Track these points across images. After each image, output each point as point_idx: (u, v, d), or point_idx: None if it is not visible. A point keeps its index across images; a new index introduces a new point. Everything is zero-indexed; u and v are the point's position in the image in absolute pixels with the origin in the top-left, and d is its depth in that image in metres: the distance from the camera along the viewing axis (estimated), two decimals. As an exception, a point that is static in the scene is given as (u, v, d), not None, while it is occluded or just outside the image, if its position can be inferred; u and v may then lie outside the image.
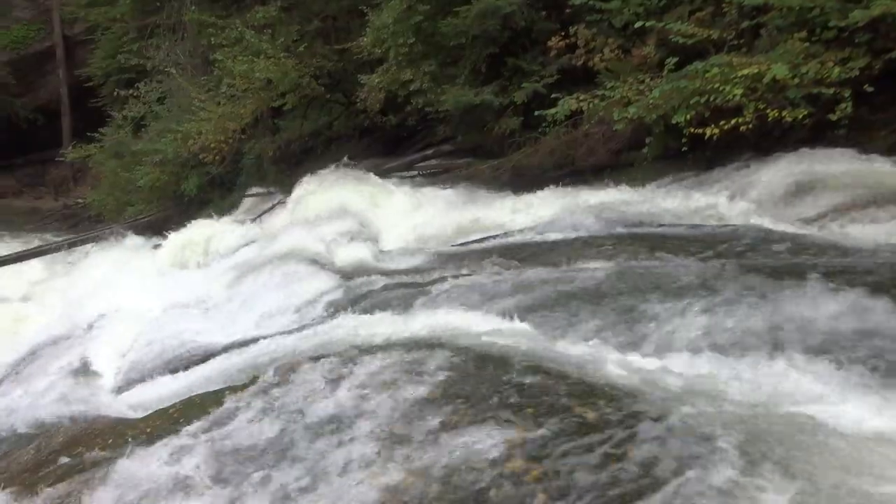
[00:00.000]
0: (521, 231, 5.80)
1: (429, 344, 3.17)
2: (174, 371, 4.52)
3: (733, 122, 5.58)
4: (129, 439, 2.89)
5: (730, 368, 2.64)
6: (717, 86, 5.55)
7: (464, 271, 4.79)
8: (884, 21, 5.23)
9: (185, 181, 11.60)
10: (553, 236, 5.31)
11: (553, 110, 6.92)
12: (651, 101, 5.98)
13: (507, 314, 3.65)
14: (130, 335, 5.63)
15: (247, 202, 11.01)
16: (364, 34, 9.35)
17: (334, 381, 2.68)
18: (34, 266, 10.64)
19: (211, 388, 3.42)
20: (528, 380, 2.46)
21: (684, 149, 6.10)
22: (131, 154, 12.41)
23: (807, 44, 5.55)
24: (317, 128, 11.37)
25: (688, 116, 5.77)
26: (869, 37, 5.39)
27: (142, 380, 4.69)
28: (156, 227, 11.57)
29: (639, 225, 5.25)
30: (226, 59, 10.55)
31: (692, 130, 5.83)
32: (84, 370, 5.28)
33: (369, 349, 3.00)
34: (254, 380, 3.04)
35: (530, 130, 8.03)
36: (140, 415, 3.45)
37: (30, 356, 6.22)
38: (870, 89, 5.35)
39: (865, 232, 4.34)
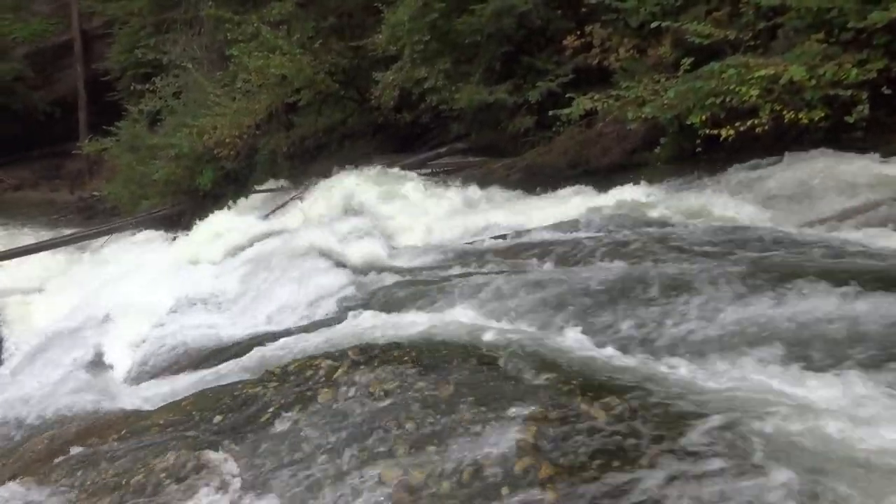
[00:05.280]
0: (533, 230, 5.80)
1: (441, 342, 3.18)
2: (187, 364, 4.55)
3: (749, 123, 5.55)
4: (142, 431, 2.91)
5: (741, 368, 2.63)
6: (732, 86, 5.52)
7: (476, 269, 4.79)
8: (903, 23, 5.19)
9: (199, 175, 11.65)
10: (565, 236, 5.30)
11: (567, 110, 6.91)
12: (666, 101, 5.96)
13: (518, 313, 3.66)
14: (144, 328, 5.68)
15: (260, 197, 11.05)
16: (379, 31, 9.37)
17: (346, 378, 2.70)
18: (50, 258, 10.72)
19: (223, 382, 3.44)
20: (539, 378, 2.47)
21: (699, 149, 6.07)
22: (147, 148, 12.46)
23: (824, 45, 5.51)
24: (331, 124, 11.38)
25: (703, 117, 5.75)
26: (887, 38, 5.35)
27: (155, 372, 4.73)
28: (170, 221, 11.64)
29: (651, 225, 5.23)
30: (241, 54, 10.59)
31: (707, 131, 5.80)
32: (98, 362, 5.33)
33: (381, 346, 3.02)
34: (266, 375, 3.05)
35: (544, 129, 8.03)
36: (153, 407, 3.47)
37: (45, 347, 6.28)
38: (887, 91, 5.31)
39: (880, 235, 4.31)
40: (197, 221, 10.12)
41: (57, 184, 20.35)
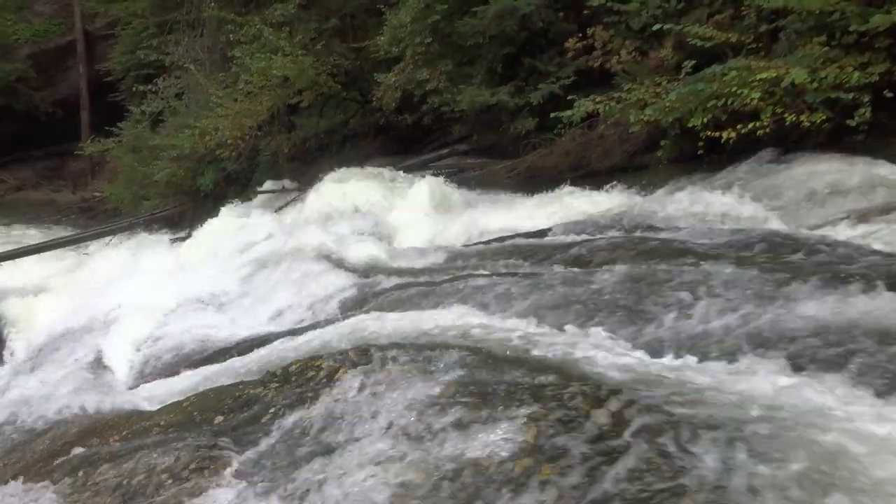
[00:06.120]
0: (535, 232, 5.80)
1: (441, 343, 3.18)
2: (188, 365, 4.55)
3: (750, 125, 5.56)
4: (144, 431, 2.92)
5: (743, 371, 2.63)
6: (734, 89, 5.52)
7: (477, 271, 4.80)
8: (905, 26, 5.19)
9: (201, 176, 11.66)
10: (567, 238, 5.31)
11: (569, 112, 6.91)
12: (667, 104, 5.96)
13: (519, 314, 3.66)
14: (145, 329, 5.68)
15: (262, 198, 11.06)
16: (381, 33, 9.38)
17: (347, 379, 2.70)
18: (51, 258, 10.73)
19: (224, 383, 3.45)
20: (539, 379, 2.47)
21: (700, 152, 6.08)
22: (149, 149, 12.47)
23: (826, 48, 5.51)
24: (333, 125, 11.40)
25: (704, 119, 5.76)
26: (889, 42, 5.35)
27: (156, 373, 4.73)
28: (172, 222, 11.66)
29: (653, 227, 5.23)
30: (244, 55, 10.61)
31: (708, 134, 5.81)
32: (99, 363, 5.33)
33: (382, 347, 3.02)
34: (267, 376, 3.06)
35: (546, 131, 8.04)
36: (154, 407, 3.48)
37: (46, 348, 6.28)
38: (889, 95, 5.31)
39: (881, 237, 4.30)
40: (198, 222, 10.14)
41: (59, 184, 20.37)
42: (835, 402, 2.31)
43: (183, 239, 10.00)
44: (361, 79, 10.62)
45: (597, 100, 6.76)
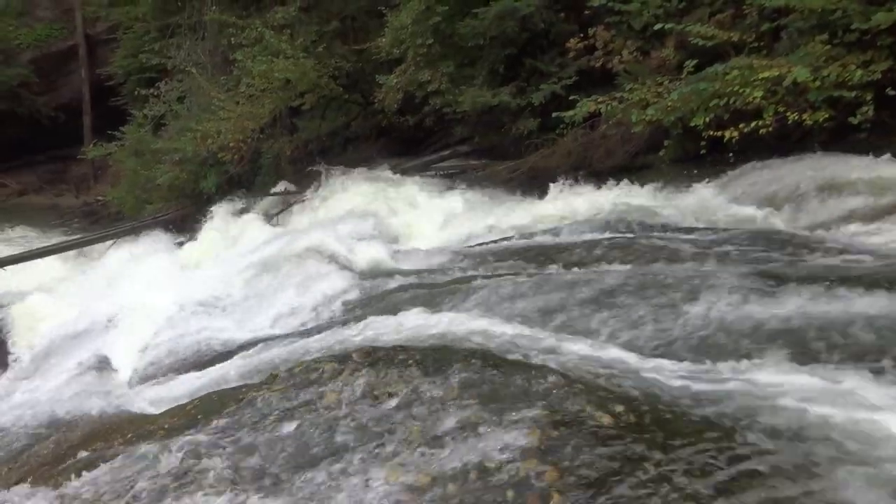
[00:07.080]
0: (537, 233, 5.80)
1: (445, 345, 3.18)
2: (192, 368, 4.55)
3: (753, 124, 5.55)
4: (148, 434, 2.91)
5: (746, 371, 2.63)
6: (736, 88, 5.51)
7: (480, 272, 4.79)
8: (907, 24, 5.18)
9: (203, 180, 11.66)
10: (570, 238, 5.30)
11: (571, 112, 6.90)
12: (669, 104, 5.95)
13: (523, 316, 3.65)
14: (149, 331, 5.68)
15: (264, 201, 11.08)
16: (382, 35, 9.38)
17: (350, 381, 2.69)
18: (55, 262, 10.75)
19: (228, 386, 3.45)
20: (544, 382, 2.46)
21: (703, 151, 6.07)
22: (151, 152, 12.49)
23: (828, 46, 5.50)
24: (335, 128, 11.41)
25: (706, 119, 5.74)
26: (891, 40, 5.34)
27: (159, 376, 4.73)
28: (174, 225, 11.66)
29: (656, 228, 5.23)
30: (245, 58, 10.61)
31: (711, 133, 5.80)
32: (102, 366, 5.33)
33: (385, 349, 3.02)
34: (271, 378, 3.05)
35: (548, 132, 8.02)
36: (158, 411, 3.48)
37: (49, 351, 6.29)
38: (892, 92, 5.30)
39: (884, 236, 4.30)
40: (201, 225, 10.15)
41: (62, 188, 20.40)
42: (839, 400, 2.30)
43: (186, 242, 10.01)
44: (363, 81, 10.62)
45: (599, 100, 6.74)
